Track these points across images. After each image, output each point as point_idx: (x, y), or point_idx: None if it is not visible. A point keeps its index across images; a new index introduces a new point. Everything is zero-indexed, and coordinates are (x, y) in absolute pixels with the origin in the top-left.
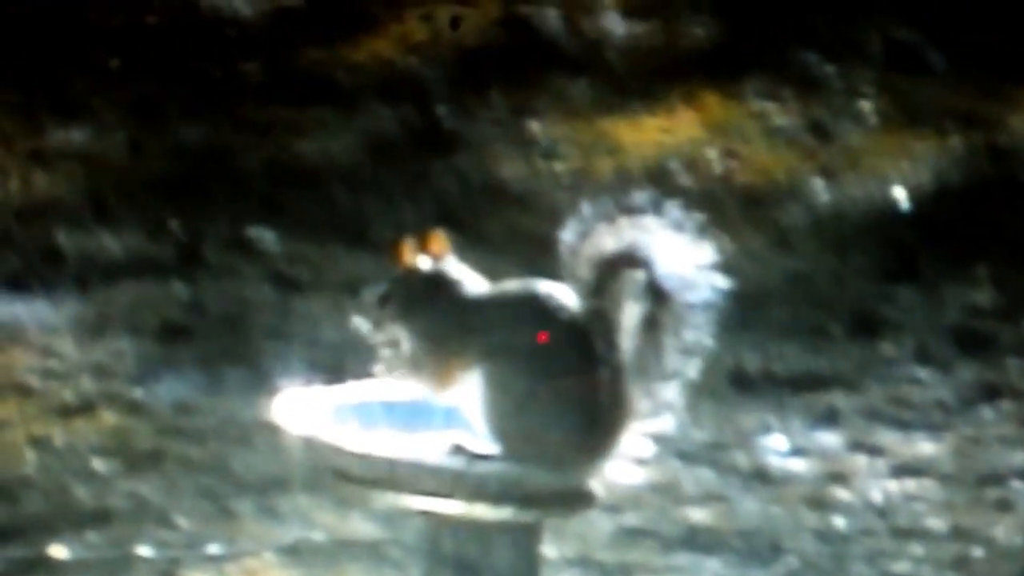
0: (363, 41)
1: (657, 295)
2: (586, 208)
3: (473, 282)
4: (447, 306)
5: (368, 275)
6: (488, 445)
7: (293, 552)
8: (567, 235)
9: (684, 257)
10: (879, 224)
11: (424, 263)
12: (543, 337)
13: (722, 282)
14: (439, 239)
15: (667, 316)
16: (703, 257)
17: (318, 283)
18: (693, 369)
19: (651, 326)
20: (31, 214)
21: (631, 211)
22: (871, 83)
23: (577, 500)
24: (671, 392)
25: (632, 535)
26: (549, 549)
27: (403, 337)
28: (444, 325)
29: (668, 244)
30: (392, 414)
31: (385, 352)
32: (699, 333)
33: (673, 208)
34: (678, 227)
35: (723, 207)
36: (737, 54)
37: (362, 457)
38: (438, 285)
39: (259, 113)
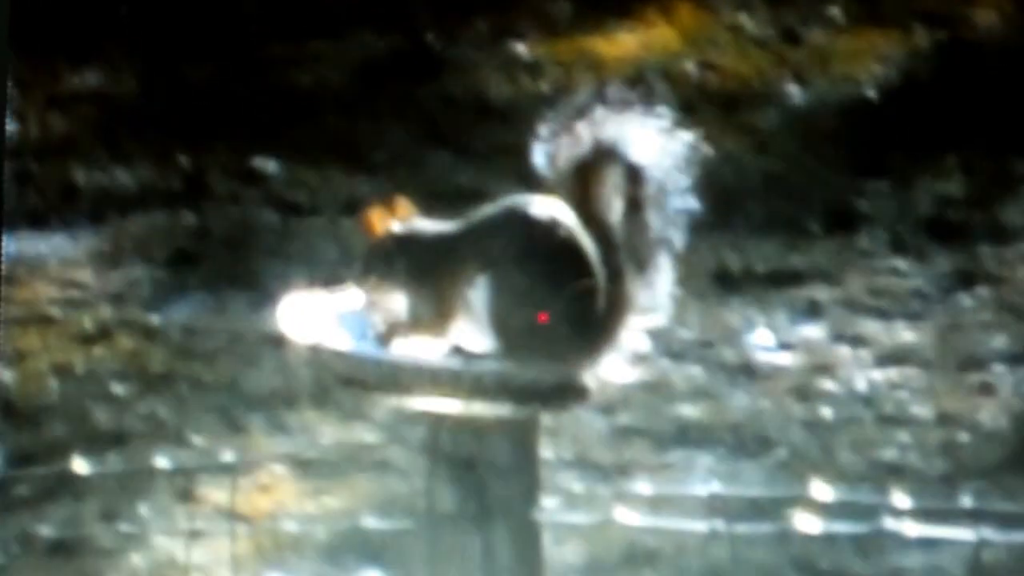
0: None
1: (637, 185)
2: (561, 110)
3: (447, 224)
4: (428, 247)
5: (364, 195)
6: (486, 345)
7: (303, 464)
8: (543, 138)
9: (662, 150)
10: (850, 122)
11: (395, 226)
12: (543, 317)
13: (699, 176)
14: (404, 204)
15: (648, 206)
16: (680, 150)
17: (317, 205)
18: (677, 267)
19: (634, 217)
20: (49, 154)
21: (606, 107)
22: None
23: (571, 394)
24: (662, 286)
25: (625, 434)
26: (545, 450)
27: (394, 298)
28: (430, 264)
29: (645, 138)
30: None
31: (382, 324)
32: (680, 228)
33: (647, 105)
34: (654, 121)
35: (700, 113)
36: None
37: (362, 360)
38: (412, 237)
39: (258, 49)
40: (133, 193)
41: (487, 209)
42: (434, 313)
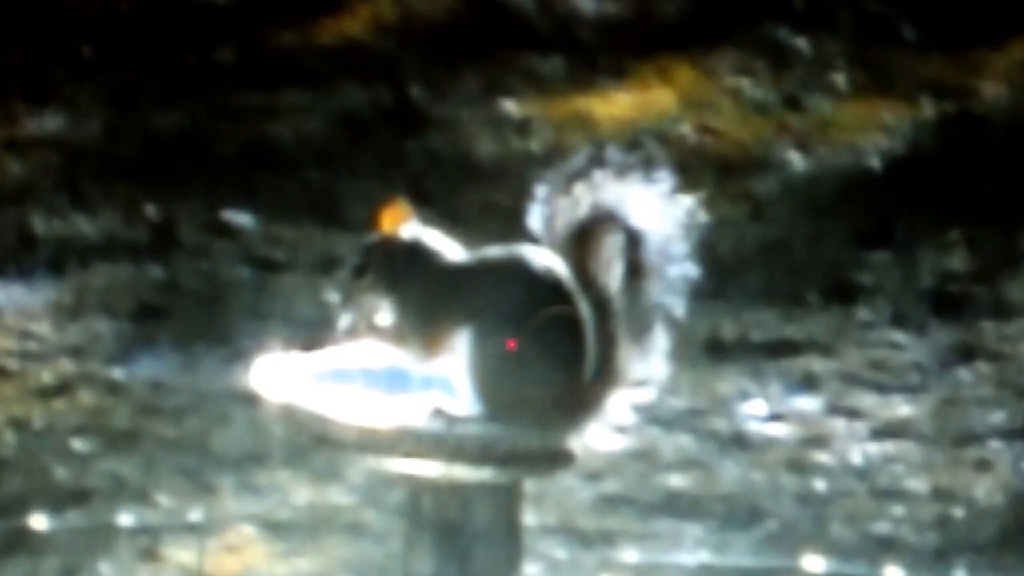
0: (334, 22)
1: (636, 251)
2: (559, 172)
3: (453, 249)
4: (430, 272)
5: (342, 254)
6: (468, 407)
7: (273, 526)
8: (541, 200)
9: (660, 215)
10: (853, 191)
11: (404, 231)
12: (511, 344)
13: (697, 243)
14: (402, 208)
15: (647, 272)
16: (678, 216)
17: (293, 262)
18: (671, 335)
19: (633, 283)
20: (7, 201)
21: (605, 171)
22: (842, 54)
23: (556, 460)
24: (656, 356)
25: (612, 502)
26: (530, 517)
27: (385, 307)
28: (429, 291)
29: (644, 202)
30: (370, 379)
31: (351, 320)
32: (676, 295)
33: (646, 169)
34: (652, 186)
35: (698, 179)
36: (709, 28)
37: (342, 422)
38: (419, 252)
39: (232, 97)
40: (96, 243)
41: (493, 250)
42: (420, 338)
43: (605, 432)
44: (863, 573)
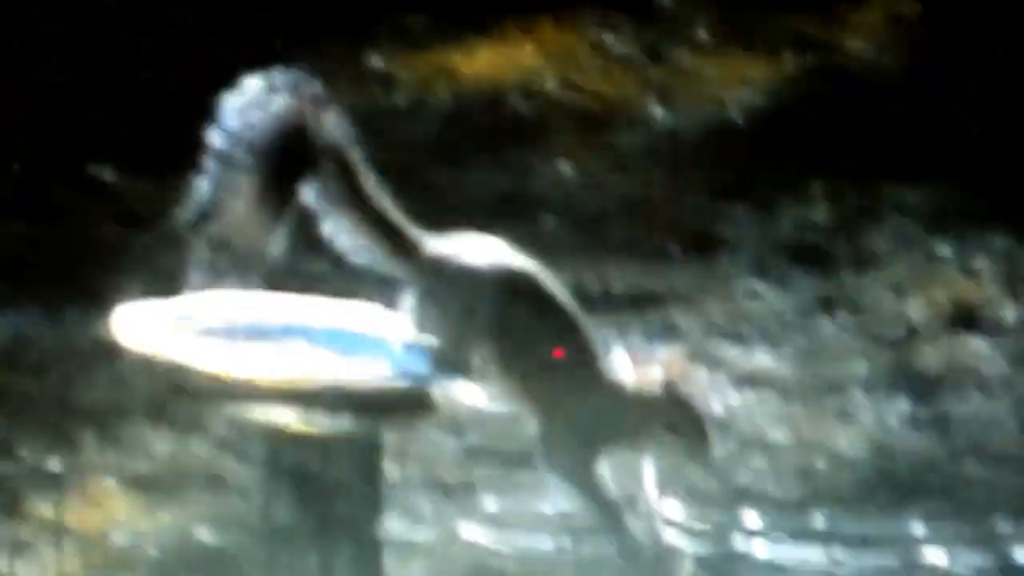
0: None
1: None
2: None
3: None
4: None
5: None
6: (327, 359)
7: (135, 480)
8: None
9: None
10: (714, 145)
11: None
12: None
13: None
14: None
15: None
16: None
17: (157, 216)
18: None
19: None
20: None
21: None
22: (705, 8)
23: (415, 407)
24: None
25: (475, 454)
26: (394, 470)
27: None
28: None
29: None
30: (232, 330)
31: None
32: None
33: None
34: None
35: (561, 133)
36: None
37: (200, 370)
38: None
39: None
40: None
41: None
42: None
43: (468, 386)
44: (723, 522)
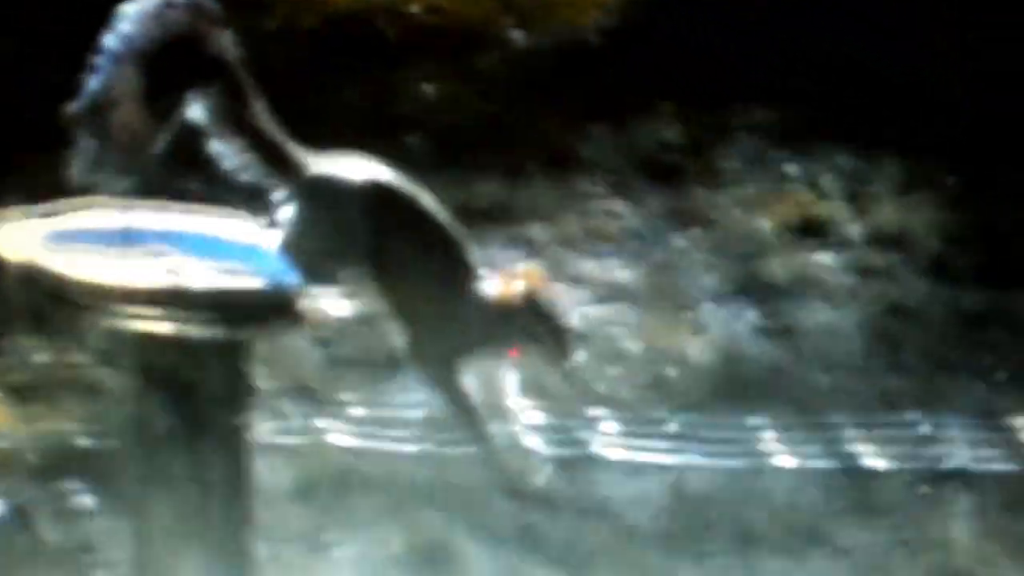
0: None
1: None
2: None
3: None
4: None
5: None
6: (199, 268)
7: (14, 388)
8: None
9: None
10: (570, 66)
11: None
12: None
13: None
14: None
15: None
16: None
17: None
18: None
19: None
20: None
21: None
22: None
23: (284, 316)
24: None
25: (342, 363)
26: (263, 379)
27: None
28: None
29: None
30: (105, 240)
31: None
32: None
33: None
34: None
35: (423, 55)
36: None
37: (74, 279)
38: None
39: None
40: None
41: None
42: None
43: (334, 298)
44: (580, 426)
